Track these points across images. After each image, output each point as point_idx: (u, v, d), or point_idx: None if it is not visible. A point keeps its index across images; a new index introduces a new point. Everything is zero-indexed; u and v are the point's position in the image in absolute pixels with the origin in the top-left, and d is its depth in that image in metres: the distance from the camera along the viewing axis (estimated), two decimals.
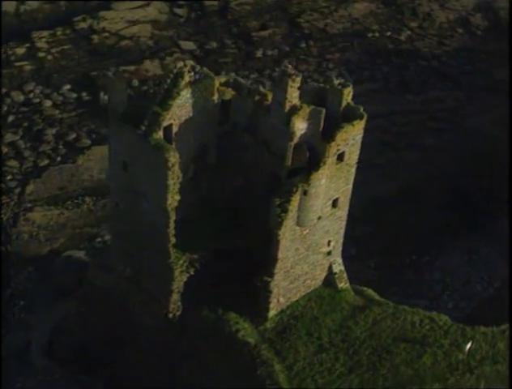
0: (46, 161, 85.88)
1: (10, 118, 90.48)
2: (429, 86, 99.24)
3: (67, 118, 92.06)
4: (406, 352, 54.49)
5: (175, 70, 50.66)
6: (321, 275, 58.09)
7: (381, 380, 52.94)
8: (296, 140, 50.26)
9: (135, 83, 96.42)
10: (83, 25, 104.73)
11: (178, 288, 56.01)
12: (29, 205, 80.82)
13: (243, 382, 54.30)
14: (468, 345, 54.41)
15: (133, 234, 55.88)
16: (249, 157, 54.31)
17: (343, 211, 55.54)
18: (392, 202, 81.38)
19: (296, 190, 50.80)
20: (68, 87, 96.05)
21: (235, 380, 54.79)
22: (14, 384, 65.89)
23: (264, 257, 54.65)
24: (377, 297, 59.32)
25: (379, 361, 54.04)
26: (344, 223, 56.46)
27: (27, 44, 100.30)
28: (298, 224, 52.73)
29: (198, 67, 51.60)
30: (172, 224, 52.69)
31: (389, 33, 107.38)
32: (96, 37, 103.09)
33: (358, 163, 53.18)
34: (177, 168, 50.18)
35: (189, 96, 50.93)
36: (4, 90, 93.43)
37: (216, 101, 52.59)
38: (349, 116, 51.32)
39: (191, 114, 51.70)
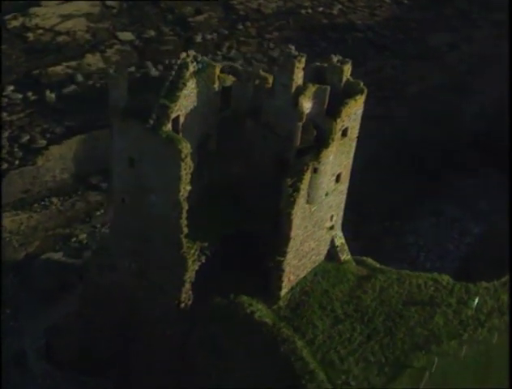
0: (5, 165, 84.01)
1: None
2: (368, 57, 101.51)
3: (17, 120, 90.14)
4: (418, 315, 56.50)
5: (179, 61, 50.75)
6: (324, 250, 59.48)
7: (400, 343, 54.81)
8: (304, 120, 51.22)
9: (79, 78, 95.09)
10: (15, 23, 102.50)
11: (190, 278, 56.39)
12: None
13: (265, 362, 55.14)
14: (476, 301, 56.81)
15: (140, 229, 55.81)
16: (251, 141, 54.94)
17: (344, 185, 57.04)
18: (355, 173, 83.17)
19: (307, 169, 51.89)
20: (11, 88, 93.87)
21: (256, 362, 55.56)
22: None
23: (271, 238, 55.61)
24: (378, 265, 61.15)
25: (394, 325, 55.89)
26: (345, 197, 57.98)
27: None
28: (308, 202, 53.86)
29: (199, 57, 51.73)
30: (184, 215, 52.99)
31: (321, 8, 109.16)
32: (30, 35, 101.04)
33: None
34: (189, 158, 50.48)
35: (193, 86, 51.28)
36: None
37: (217, 89, 53.02)
38: (349, 91, 52.64)
39: (195, 104, 52.08)
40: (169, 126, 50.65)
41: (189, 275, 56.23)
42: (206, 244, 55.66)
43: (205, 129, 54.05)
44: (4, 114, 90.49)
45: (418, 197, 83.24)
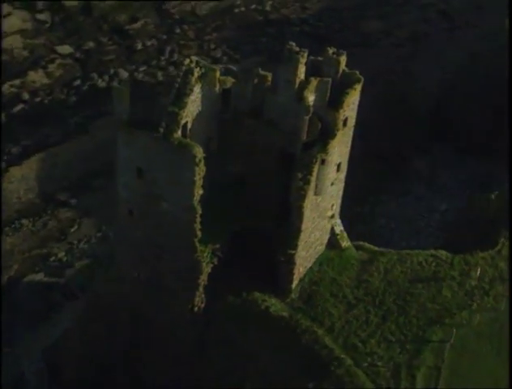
0: None
1: None
2: (309, 49, 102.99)
3: None
4: (425, 291, 58.47)
5: (183, 68, 51.08)
6: (325, 239, 60.76)
7: (415, 320, 56.67)
8: (310, 114, 52.35)
9: (26, 96, 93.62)
10: None
11: (204, 281, 56.83)
12: None
13: (288, 355, 56.10)
14: (478, 271, 59.24)
15: (150, 238, 55.87)
16: (253, 140, 55.64)
17: (343, 174, 58.46)
18: None
19: (316, 161, 53.03)
20: None
21: (279, 356, 56.47)
22: None
23: (279, 233, 56.58)
24: (376, 248, 62.82)
25: (405, 304, 57.71)
26: (343, 185, 59.39)
27: None
28: (316, 193, 55.04)
29: (201, 61, 52.21)
30: (198, 219, 53.40)
31: (253, 6, 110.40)
32: None
33: None
34: (202, 163, 50.91)
35: (199, 90, 51.70)
36: None
37: (218, 91, 53.57)
38: (346, 82, 53.99)
39: (200, 108, 52.53)
40: (179, 132, 50.97)
41: (203, 278, 56.67)
42: (217, 245, 56.18)
43: (207, 132, 54.50)
44: None
45: (382, 180, 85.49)
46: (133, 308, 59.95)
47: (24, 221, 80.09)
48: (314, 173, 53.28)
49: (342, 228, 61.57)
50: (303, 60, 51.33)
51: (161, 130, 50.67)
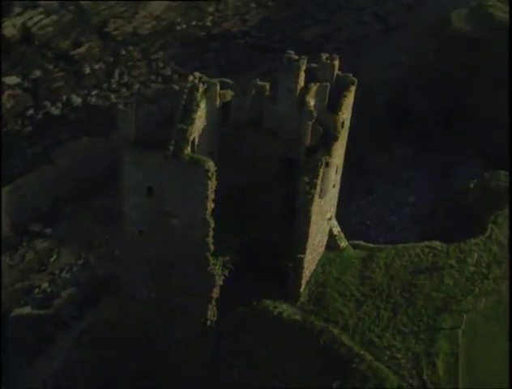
0: None
1: None
2: (256, 60, 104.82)
3: None
4: (428, 281, 60.29)
5: (188, 85, 51.61)
6: (325, 241, 62.00)
7: (424, 310, 58.39)
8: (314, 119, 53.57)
9: None
10: None
11: (216, 294, 57.29)
12: None
13: (306, 357, 57.00)
14: (475, 257, 61.47)
15: (160, 256, 56.01)
16: (253, 151, 56.50)
17: (339, 175, 59.85)
18: None
19: (321, 164, 54.26)
20: None
21: (297, 360, 57.30)
22: None
23: (285, 239, 57.58)
24: (371, 245, 64.48)
25: (411, 295, 59.40)
26: (339, 187, 60.80)
27: None
28: (320, 196, 56.26)
29: (203, 77, 52.84)
30: (211, 233, 53.91)
31: (194, 22, 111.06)
32: None
33: None
34: (215, 176, 51.50)
35: (203, 106, 52.32)
36: None
37: (218, 105, 54.30)
38: (340, 85, 55.47)
39: (204, 123, 53.12)
40: (189, 148, 51.45)
41: (216, 291, 57.11)
42: (228, 257, 56.74)
43: (209, 146, 55.12)
44: None
45: (349, 180, 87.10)
46: (144, 328, 59.86)
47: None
48: (320, 177, 54.47)
49: (339, 228, 62.92)
50: (303, 67, 52.44)
51: (171, 147, 51.04)
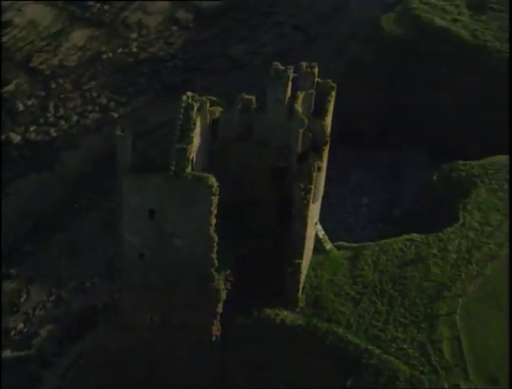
0: None
1: None
2: (189, 81, 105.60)
3: None
4: (416, 272, 62.59)
5: (183, 104, 52.27)
6: (312, 245, 63.50)
7: (419, 300, 60.63)
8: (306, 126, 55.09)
9: None
10: None
11: (221, 308, 57.93)
12: None
13: (314, 360, 58.33)
14: (456, 244, 64.20)
15: (163, 277, 56.29)
16: (243, 164, 57.57)
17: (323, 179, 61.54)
18: None
19: (314, 169, 55.83)
20: None
21: (304, 363, 58.54)
22: None
23: (280, 247, 58.86)
24: (354, 245, 66.38)
25: (404, 287, 61.57)
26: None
27: None
28: (313, 201, 57.80)
29: (195, 95, 53.59)
30: (215, 248, 54.63)
31: (120, 50, 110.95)
32: None
33: None
34: (217, 192, 52.32)
35: (198, 124, 53.11)
36: None
37: (209, 122, 55.19)
38: (321, 91, 57.21)
39: (199, 141, 53.90)
40: (190, 167, 52.10)
41: (220, 306, 57.74)
42: (228, 271, 57.48)
43: (202, 163, 55.85)
44: None
45: None
46: (147, 353, 59.81)
47: None
48: (314, 182, 56.01)
49: (323, 232, 64.53)
50: (291, 76, 53.91)
51: (172, 168, 51.57)
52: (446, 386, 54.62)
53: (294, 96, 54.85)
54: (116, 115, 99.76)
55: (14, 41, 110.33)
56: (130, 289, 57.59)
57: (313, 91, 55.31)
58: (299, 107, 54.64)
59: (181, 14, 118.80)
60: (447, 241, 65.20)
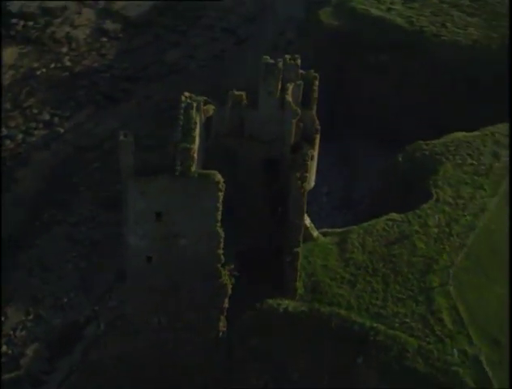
0: None
1: None
2: (129, 90, 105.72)
3: None
4: (403, 249, 64.86)
5: (182, 105, 52.91)
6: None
7: (411, 275, 62.87)
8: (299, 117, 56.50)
9: None
10: None
11: (227, 304, 58.78)
12: None
13: (321, 343, 59.80)
14: (436, 219, 66.91)
15: (169, 277, 56.74)
16: (236, 160, 58.58)
17: None
18: None
19: (309, 158, 57.37)
20: None
21: (312, 348, 59.97)
22: None
23: (277, 238, 60.22)
24: (338, 230, 68.25)
25: (395, 265, 63.66)
26: None
27: None
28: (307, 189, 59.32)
29: (192, 95, 54.29)
30: (222, 244, 55.51)
31: (53, 65, 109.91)
32: None
33: None
34: (224, 187, 53.26)
35: (198, 123, 53.87)
36: None
37: (203, 121, 56.01)
38: (304, 82, 58.72)
39: (198, 139, 54.66)
40: (194, 166, 52.83)
41: (227, 301, 58.58)
42: (232, 266, 58.38)
43: (202, 161, 56.57)
44: None
45: None
46: (154, 357, 60.09)
47: None
48: (309, 170, 57.55)
49: (309, 220, 66.07)
50: (281, 69, 55.26)
51: (178, 168, 52.19)
52: (456, 352, 56.86)
53: (284, 88, 56.05)
54: (61, 130, 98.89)
55: None
56: (136, 293, 57.67)
57: (302, 83, 56.72)
58: (290, 98, 55.95)
59: (109, 25, 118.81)
60: (426, 217, 67.73)
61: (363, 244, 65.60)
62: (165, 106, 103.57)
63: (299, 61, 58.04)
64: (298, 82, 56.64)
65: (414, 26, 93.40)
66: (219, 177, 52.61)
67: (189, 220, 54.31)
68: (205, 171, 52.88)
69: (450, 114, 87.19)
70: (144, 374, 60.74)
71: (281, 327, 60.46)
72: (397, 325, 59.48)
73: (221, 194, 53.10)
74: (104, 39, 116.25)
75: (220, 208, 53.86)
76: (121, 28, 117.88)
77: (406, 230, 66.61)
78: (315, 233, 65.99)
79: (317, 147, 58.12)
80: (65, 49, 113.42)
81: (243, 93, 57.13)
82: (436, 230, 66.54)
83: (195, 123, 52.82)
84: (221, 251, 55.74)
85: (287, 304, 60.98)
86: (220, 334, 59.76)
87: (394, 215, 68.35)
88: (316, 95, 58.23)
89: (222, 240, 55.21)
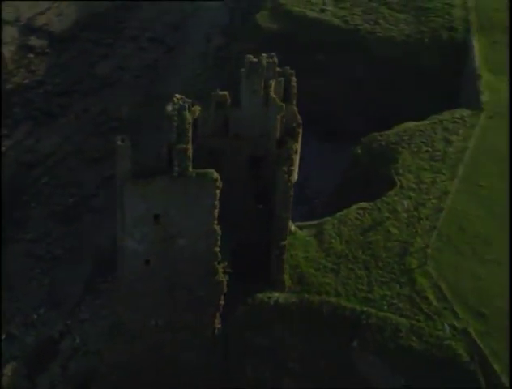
0: None
1: None
2: (65, 105, 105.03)
3: None
4: (379, 236, 67.10)
5: (175, 106, 53.66)
6: None
7: (390, 260, 65.19)
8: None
9: None
10: None
11: (223, 300, 59.80)
12: None
13: (317, 331, 61.44)
14: (405, 204, 69.67)
15: (166, 279, 57.37)
16: (220, 159, 59.65)
17: None
18: None
19: (293, 152, 59.08)
20: None
21: (308, 338, 61.57)
22: None
23: (263, 235, 61.70)
24: (314, 222, 70.13)
25: (373, 251, 65.80)
26: None
27: None
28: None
29: (182, 97, 55.09)
30: (218, 241, 56.56)
31: None
32: None
33: None
34: (221, 184, 54.38)
35: (190, 124, 54.78)
36: None
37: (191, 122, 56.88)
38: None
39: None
40: (191, 165, 53.73)
41: (223, 298, 59.58)
42: (226, 262, 59.44)
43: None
44: None
45: None
46: (153, 360, 60.47)
47: None
48: (295, 164, 59.24)
49: None
50: (264, 67, 56.74)
51: (176, 169, 52.99)
52: (447, 327, 59.53)
53: (266, 86, 57.55)
54: (3, 148, 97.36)
55: None
56: (134, 298, 57.94)
57: (283, 79, 58.35)
58: (273, 95, 57.50)
59: (34, 41, 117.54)
60: (394, 203, 70.36)
61: (339, 234, 67.61)
62: (104, 118, 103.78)
63: (276, 59, 59.62)
64: (279, 78, 58.19)
65: (349, 25, 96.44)
66: (216, 174, 53.68)
67: (188, 220, 55.12)
68: (202, 170, 53.76)
69: (393, 106, 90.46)
70: (142, 378, 60.94)
71: (274, 320, 61.78)
72: (386, 307, 61.68)
73: (218, 192, 54.08)
74: (31, 55, 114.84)
75: (218, 206, 54.80)
76: (48, 44, 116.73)
77: (377, 217, 69.01)
78: (292, 227, 67.57)
79: (300, 140, 59.76)
80: None
81: (226, 93, 58.22)
82: (405, 215, 69.18)
83: (189, 124, 53.62)
84: (218, 249, 56.67)
85: (277, 296, 62.43)
86: (216, 330, 60.54)
87: (363, 204, 70.64)
88: (295, 90, 59.88)
89: (219, 237, 56.14)
